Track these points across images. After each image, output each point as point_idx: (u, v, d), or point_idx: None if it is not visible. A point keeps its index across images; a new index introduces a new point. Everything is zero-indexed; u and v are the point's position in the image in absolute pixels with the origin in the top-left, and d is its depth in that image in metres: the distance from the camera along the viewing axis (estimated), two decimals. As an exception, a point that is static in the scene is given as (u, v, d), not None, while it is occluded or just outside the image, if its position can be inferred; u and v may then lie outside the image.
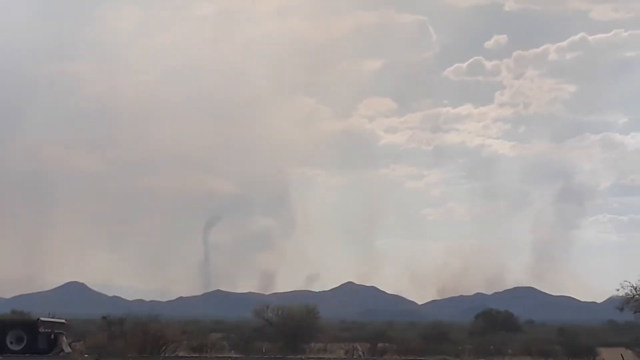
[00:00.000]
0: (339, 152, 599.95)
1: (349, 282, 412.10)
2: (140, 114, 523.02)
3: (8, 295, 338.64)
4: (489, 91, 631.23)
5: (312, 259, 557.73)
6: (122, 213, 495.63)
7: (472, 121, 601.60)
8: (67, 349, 45.33)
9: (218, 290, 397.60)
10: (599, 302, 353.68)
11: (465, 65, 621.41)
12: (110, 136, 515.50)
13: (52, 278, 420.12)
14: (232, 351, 59.16)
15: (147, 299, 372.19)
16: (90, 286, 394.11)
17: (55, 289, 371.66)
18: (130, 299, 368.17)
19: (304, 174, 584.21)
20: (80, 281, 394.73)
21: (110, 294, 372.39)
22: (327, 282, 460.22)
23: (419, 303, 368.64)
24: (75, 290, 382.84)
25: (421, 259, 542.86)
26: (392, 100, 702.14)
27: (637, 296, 46.86)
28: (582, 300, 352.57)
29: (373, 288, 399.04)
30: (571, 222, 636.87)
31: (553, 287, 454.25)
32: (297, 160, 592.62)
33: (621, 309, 40.38)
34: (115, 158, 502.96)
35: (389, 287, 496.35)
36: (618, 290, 46.86)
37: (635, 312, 48.53)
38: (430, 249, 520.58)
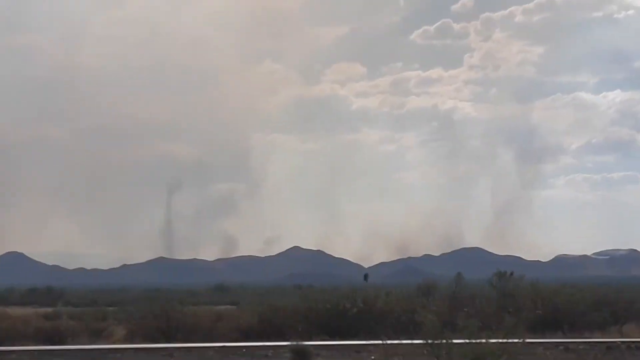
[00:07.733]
0: (310, 118, 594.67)
1: (295, 246, 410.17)
2: (102, 84, 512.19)
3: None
4: (458, 54, 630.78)
5: (273, 223, 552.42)
6: (82, 181, 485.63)
7: (442, 84, 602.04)
8: None
9: (161, 257, 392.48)
10: (544, 261, 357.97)
11: (433, 28, 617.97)
12: (70, 106, 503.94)
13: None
14: None
15: (89, 268, 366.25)
16: (29, 255, 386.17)
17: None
18: (70, 267, 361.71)
19: (273, 140, 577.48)
20: (19, 251, 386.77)
21: (50, 263, 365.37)
22: (282, 246, 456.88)
23: (366, 266, 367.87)
24: (13, 260, 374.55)
25: (381, 222, 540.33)
26: (361, 65, 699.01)
27: None
28: (528, 259, 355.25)
29: (319, 252, 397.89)
30: (542, 182, 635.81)
31: (501, 247, 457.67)
32: (266, 126, 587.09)
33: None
34: (76, 127, 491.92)
35: (339, 251, 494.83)
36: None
37: None
38: (392, 212, 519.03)
